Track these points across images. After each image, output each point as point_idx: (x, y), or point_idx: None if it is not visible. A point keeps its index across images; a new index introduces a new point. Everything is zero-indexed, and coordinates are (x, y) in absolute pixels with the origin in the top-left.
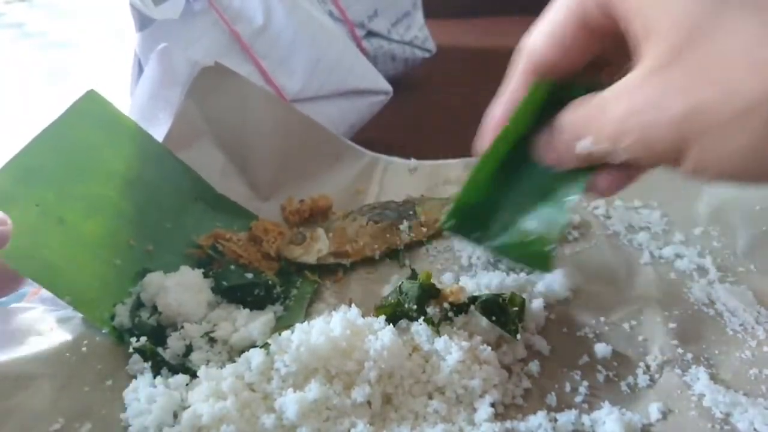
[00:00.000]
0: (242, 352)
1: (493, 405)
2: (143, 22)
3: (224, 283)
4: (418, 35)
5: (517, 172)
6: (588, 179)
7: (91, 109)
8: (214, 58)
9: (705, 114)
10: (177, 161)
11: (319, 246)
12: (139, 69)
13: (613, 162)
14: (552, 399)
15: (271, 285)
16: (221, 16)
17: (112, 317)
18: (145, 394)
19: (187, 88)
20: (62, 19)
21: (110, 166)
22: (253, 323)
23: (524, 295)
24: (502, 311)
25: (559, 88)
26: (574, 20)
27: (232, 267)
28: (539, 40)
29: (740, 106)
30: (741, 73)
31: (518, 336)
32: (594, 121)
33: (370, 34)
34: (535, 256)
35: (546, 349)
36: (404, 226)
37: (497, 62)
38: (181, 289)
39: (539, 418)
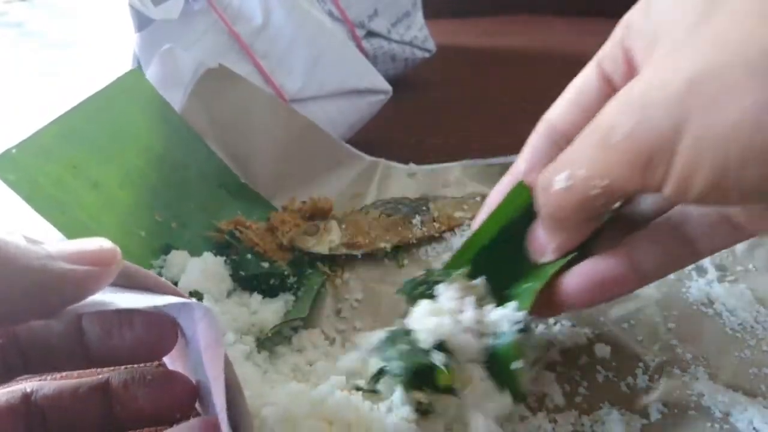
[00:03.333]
0: (256, 337)
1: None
2: (142, 22)
3: (242, 272)
4: (417, 35)
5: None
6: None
7: (131, 85)
8: (213, 57)
9: (713, 78)
10: (205, 147)
11: (331, 237)
12: (139, 69)
13: (589, 203)
14: (551, 400)
15: (286, 275)
16: (220, 16)
17: None
18: None
19: (190, 88)
20: (62, 19)
21: (144, 141)
22: (264, 310)
23: None
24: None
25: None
26: (597, 79)
27: (249, 255)
28: (558, 103)
29: (755, 53)
30: (754, 23)
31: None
32: (582, 142)
33: (370, 34)
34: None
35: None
36: (416, 220)
37: (497, 62)
38: (204, 277)
39: (539, 419)
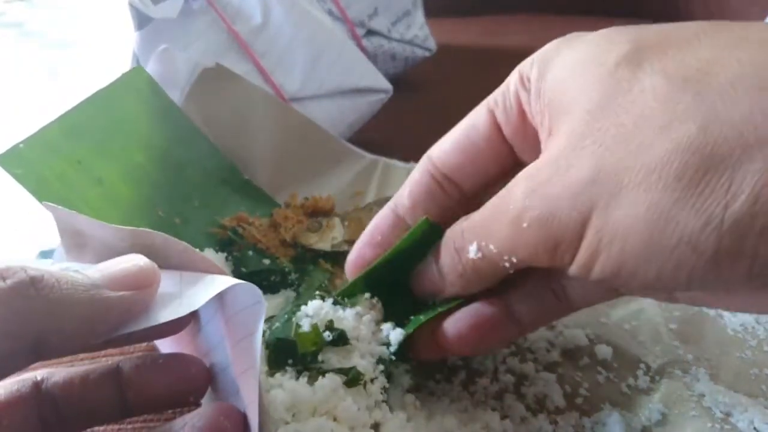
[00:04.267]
0: None
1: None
2: (142, 21)
3: (243, 269)
4: (418, 34)
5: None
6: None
7: (135, 82)
8: (212, 56)
9: (615, 175)
10: (209, 143)
11: (333, 234)
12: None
13: (500, 271)
14: (552, 401)
15: (287, 272)
16: (220, 15)
17: None
18: None
19: (187, 89)
20: (62, 19)
21: (147, 138)
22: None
23: None
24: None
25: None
26: (486, 125)
27: (251, 252)
28: (444, 141)
29: (651, 162)
30: (653, 132)
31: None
32: (492, 218)
33: (370, 32)
34: None
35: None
36: None
37: (498, 61)
38: None
39: (539, 421)
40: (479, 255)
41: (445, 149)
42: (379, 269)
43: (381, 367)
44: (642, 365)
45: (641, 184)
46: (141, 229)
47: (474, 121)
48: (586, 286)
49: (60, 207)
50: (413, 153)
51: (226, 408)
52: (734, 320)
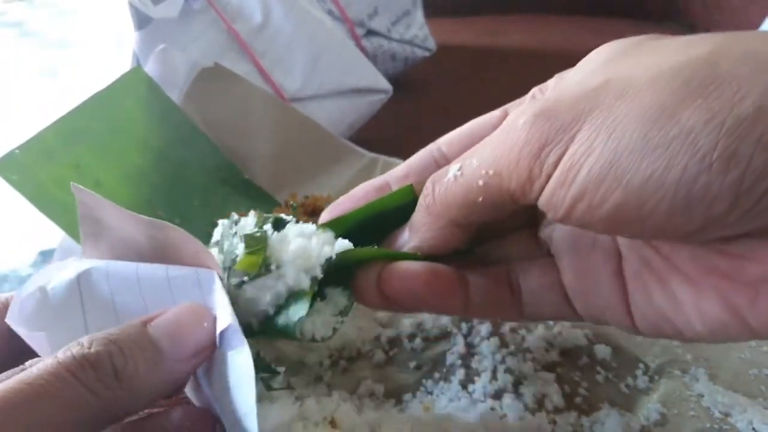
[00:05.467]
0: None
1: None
2: (142, 20)
3: None
4: (418, 34)
5: None
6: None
7: (134, 83)
8: (212, 56)
9: (623, 81)
10: (209, 143)
11: None
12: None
13: (470, 199)
14: (551, 401)
15: None
16: (220, 15)
17: None
18: None
19: (186, 89)
20: (62, 19)
21: (146, 139)
22: None
23: None
24: None
25: None
26: (498, 117)
27: None
28: (454, 131)
29: (663, 69)
30: (669, 54)
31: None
32: (485, 140)
33: (370, 32)
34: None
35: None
36: None
37: (497, 61)
38: None
39: (538, 420)
40: (459, 173)
41: (452, 135)
42: (350, 218)
43: (322, 260)
44: (641, 365)
45: (649, 87)
46: (159, 220)
47: (487, 117)
48: (541, 286)
49: (85, 189)
50: (413, 153)
51: (195, 412)
52: None
